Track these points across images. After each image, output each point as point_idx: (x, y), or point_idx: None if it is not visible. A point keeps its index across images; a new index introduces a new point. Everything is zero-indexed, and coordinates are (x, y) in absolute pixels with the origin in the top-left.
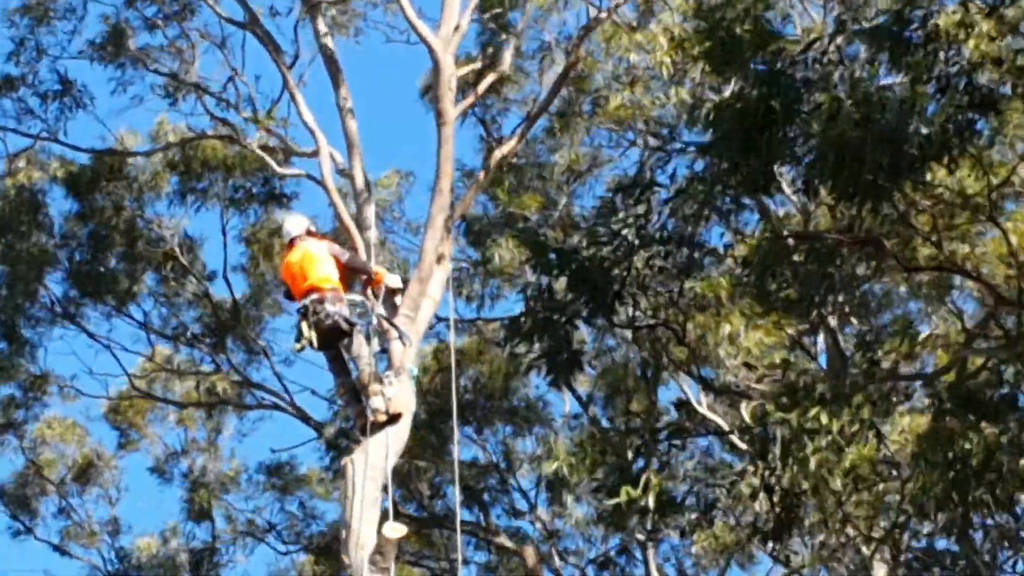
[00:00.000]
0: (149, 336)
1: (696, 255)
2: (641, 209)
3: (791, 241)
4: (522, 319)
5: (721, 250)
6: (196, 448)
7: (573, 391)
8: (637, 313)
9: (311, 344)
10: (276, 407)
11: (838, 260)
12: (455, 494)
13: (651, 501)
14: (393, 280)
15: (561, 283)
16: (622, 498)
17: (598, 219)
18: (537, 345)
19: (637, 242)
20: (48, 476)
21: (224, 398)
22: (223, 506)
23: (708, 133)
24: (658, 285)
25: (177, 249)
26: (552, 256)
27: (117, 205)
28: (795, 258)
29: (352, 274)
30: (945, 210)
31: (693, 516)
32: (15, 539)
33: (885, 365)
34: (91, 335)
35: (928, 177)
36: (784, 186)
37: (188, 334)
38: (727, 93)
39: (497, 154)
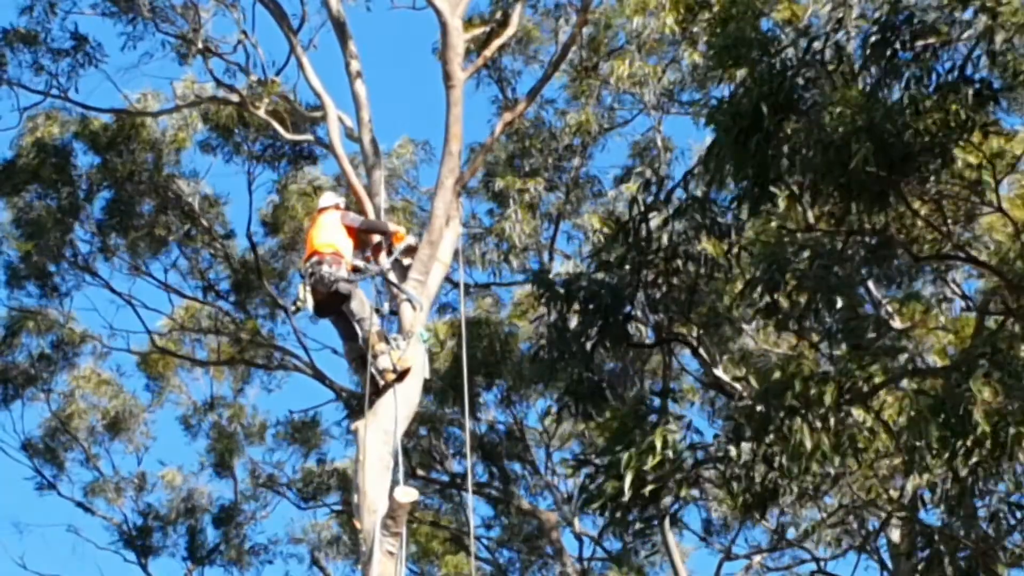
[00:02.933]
0: (170, 296)
1: (701, 271)
2: (643, 231)
3: (797, 241)
4: (540, 353)
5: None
6: (222, 404)
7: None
8: (649, 332)
9: (308, 306)
10: (296, 368)
11: (844, 261)
12: (468, 456)
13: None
14: (413, 238)
15: (573, 315)
16: (600, 498)
17: (603, 246)
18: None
19: (640, 265)
20: (77, 428)
21: (245, 358)
22: (246, 459)
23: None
24: (668, 302)
25: (197, 207)
26: (560, 290)
27: (139, 163)
28: (800, 265)
29: (369, 236)
30: (950, 199)
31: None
32: (38, 492)
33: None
34: (114, 291)
35: (933, 167)
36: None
37: (211, 291)
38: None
39: (508, 116)
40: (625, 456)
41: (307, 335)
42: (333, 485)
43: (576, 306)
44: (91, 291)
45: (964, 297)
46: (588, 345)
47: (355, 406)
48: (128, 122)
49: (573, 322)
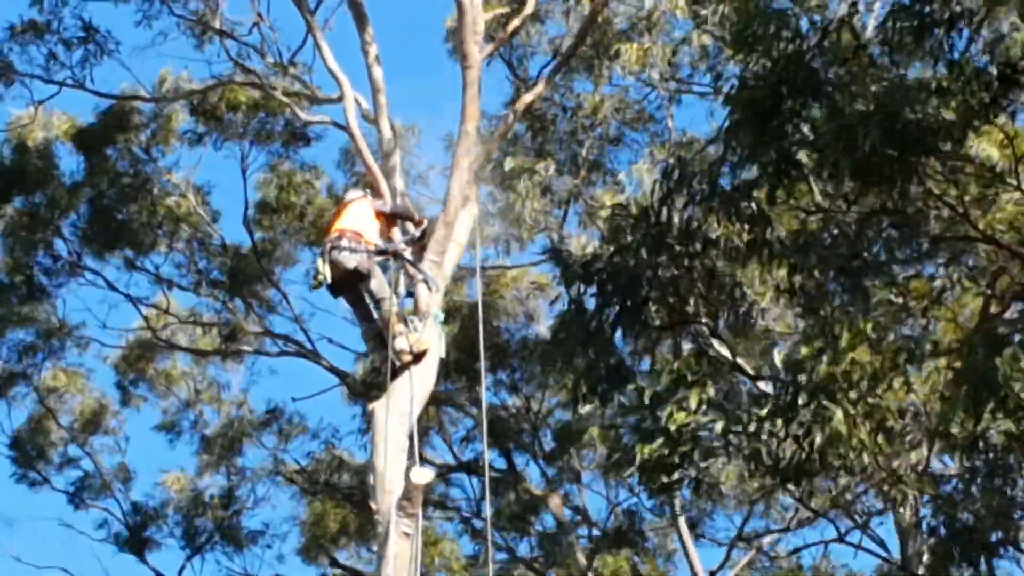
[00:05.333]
0: (163, 287)
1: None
2: (663, 215)
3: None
4: (559, 336)
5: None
6: (204, 399)
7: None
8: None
9: (326, 282)
10: (299, 354)
11: (865, 240)
12: (483, 438)
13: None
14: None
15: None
16: (638, 460)
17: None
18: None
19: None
20: (56, 426)
21: (245, 346)
22: (253, 445)
23: (728, 112)
24: (688, 284)
25: (192, 197)
26: (580, 271)
27: (128, 157)
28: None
29: (397, 221)
30: (968, 180)
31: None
32: (31, 489)
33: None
34: (110, 284)
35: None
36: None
37: (205, 282)
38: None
39: (526, 98)
40: (665, 412)
41: (306, 328)
42: (340, 470)
43: (594, 288)
44: (82, 289)
45: (973, 279)
46: (606, 328)
47: (359, 390)
48: (117, 118)
49: (591, 305)
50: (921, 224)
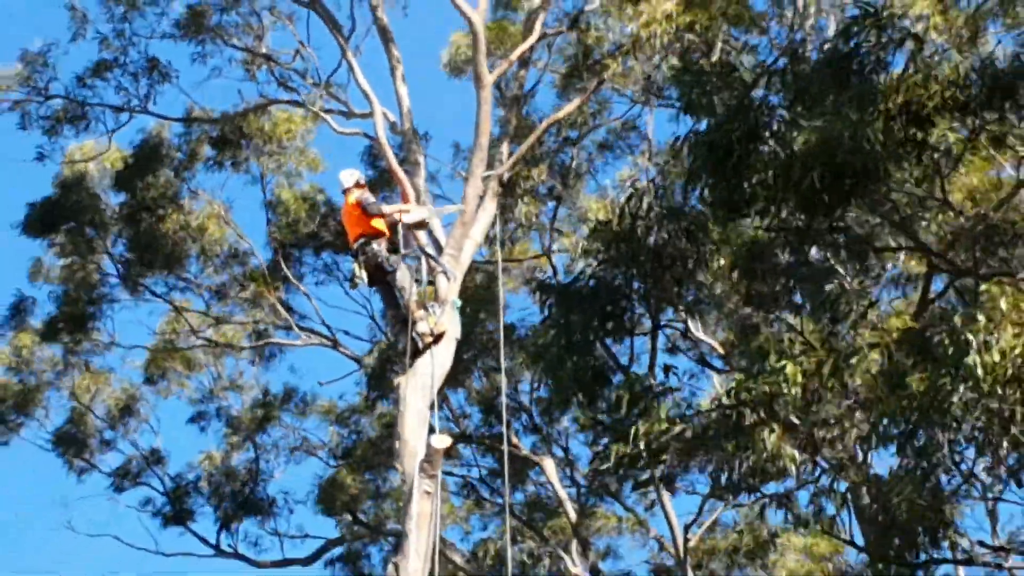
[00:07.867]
0: (203, 295)
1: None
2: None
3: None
4: (546, 345)
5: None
6: (226, 387)
7: None
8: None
9: (363, 281)
10: (322, 344)
11: (808, 249)
12: (503, 419)
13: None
14: (411, 216)
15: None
16: (613, 457)
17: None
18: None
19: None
20: (92, 417)
21: (273, 339)
22: (278, 423)
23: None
24: (659, 292)
25: (221, 212)
26: (559, 291)
27: (162, 186)
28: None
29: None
30: (902, 199)
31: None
32: (80, 478)
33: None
34: (154, 293)
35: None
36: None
37: (236, 287)
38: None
39: (555, 116)
40: (642, 426)
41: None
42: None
43: (576, 303)
44: (127, 307)
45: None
46: (590, 336)
47: (375, 375)
48: (149, 153)
49: (574, 317)
50: (864, 238)
